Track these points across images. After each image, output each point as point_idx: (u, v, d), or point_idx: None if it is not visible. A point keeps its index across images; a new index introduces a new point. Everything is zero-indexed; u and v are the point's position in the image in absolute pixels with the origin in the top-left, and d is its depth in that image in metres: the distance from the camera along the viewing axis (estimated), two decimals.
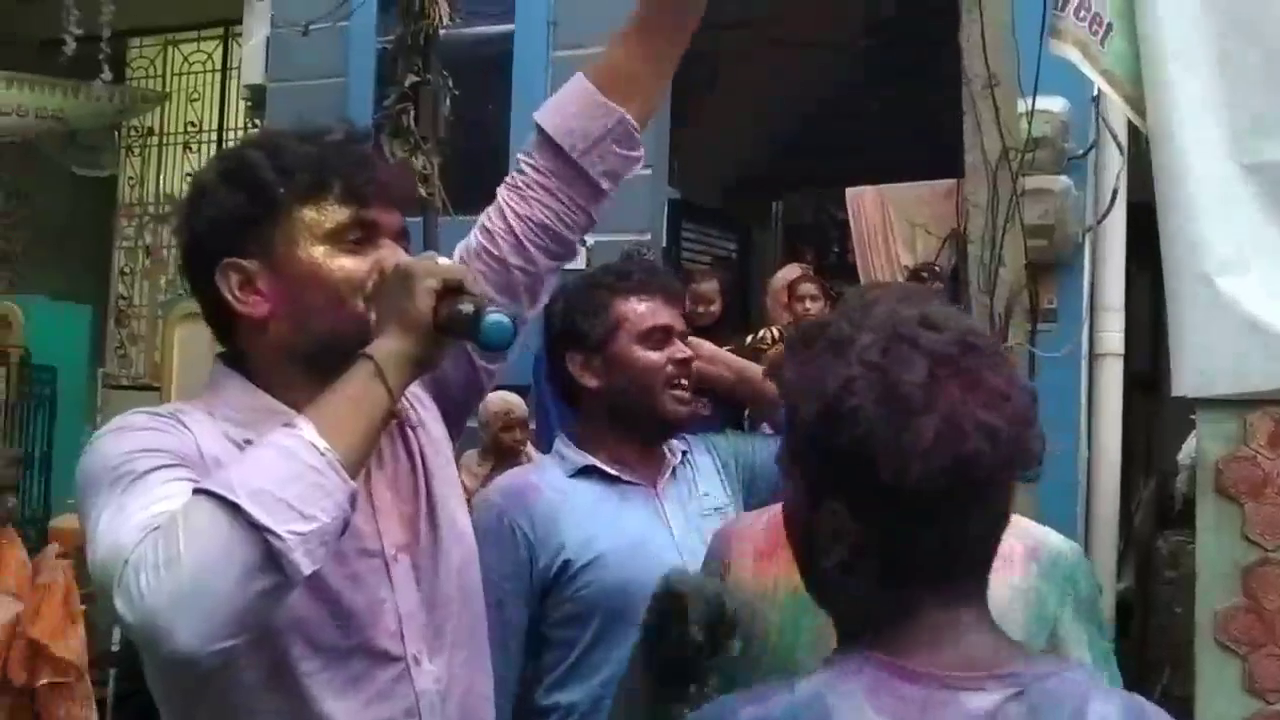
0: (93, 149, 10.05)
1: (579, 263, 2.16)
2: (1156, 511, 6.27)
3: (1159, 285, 2.90)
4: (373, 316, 1.38)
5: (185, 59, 10.36)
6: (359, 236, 1.44)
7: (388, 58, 6.08)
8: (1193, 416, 3.15)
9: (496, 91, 6.79)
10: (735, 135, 7.83)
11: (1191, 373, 2.81)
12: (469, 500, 1.79)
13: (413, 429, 1.56)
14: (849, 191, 6.62)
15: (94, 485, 1.30)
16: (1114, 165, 4.44)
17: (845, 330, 1.10)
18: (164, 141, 10.47)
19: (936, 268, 5.59)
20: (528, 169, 1.64)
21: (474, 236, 1.65)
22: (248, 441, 1.34)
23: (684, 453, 2.25)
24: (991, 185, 3.06)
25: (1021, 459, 1.07)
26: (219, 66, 10.18)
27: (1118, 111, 3.36)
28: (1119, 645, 1.67)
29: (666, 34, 1.66)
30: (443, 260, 1.41)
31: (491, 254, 1.62)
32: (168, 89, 10.29)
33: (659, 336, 2.16)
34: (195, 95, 10.30)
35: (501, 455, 5.50)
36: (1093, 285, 5.38)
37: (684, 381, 2.16)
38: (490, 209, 1.65)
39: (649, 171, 6.01)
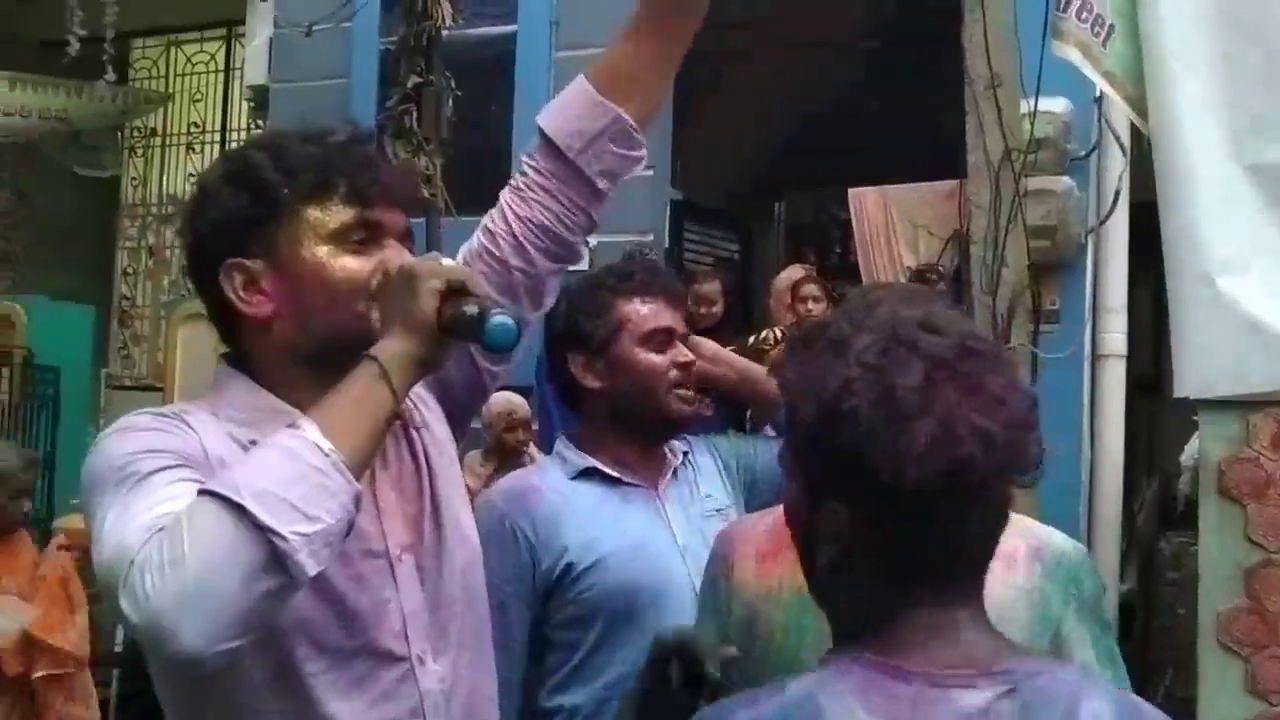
0: (95, 149, 10.04)
1: (583, 264, 2.16)
2: (1159, 513, 6.25)
3: (1161, 286, 2.89)
4: (377, 317, 1.38)
5: (188, 59, 10.35)
6: (363, 237, 1.44)
7: (390, 58, 6.09)
8: (1195, 418, 3.15)
9: (499, 92, 6.79)
10: (737, 136, 7.82)
11: (1192, 374, 2.81)
12: (472, 501, 1.79)
13: (417, 430, 1.56)
14: (851, 192, 6.61)
15: (99, 486, 1.30)
16: (1116, 166, 4.43)
17: (845, 331, 1.10)
18: (167, 142, 10.45)
19: (940, 268, 5.60)
20: (529, 171, 1.64)
21: (477, 238, 1.65)
22: (252, 442, 1.35)
23: (685, 454, 2.25)
24: (994, 186, 3.06)
25: (1018, 463, 1.08)
26: (222, 67, 10.17)
27: (1120, 112, 3.35)
28: (1122, 647, 1.67)
29: (667, 34, 1.66)
30: (447, 261, 1.41)
31: (493, 255, 1.62)
32: (170, 89, 10.28)
33: (661, 338, 2.15)
34: (198, 96, 10.28)
35: (505, 456, 5.50)
36: (1095, 286, 5.36)
37: (686, 385, 2.15)
38: (493, 210, 1.65)
39: (651, 172, 6.01)
